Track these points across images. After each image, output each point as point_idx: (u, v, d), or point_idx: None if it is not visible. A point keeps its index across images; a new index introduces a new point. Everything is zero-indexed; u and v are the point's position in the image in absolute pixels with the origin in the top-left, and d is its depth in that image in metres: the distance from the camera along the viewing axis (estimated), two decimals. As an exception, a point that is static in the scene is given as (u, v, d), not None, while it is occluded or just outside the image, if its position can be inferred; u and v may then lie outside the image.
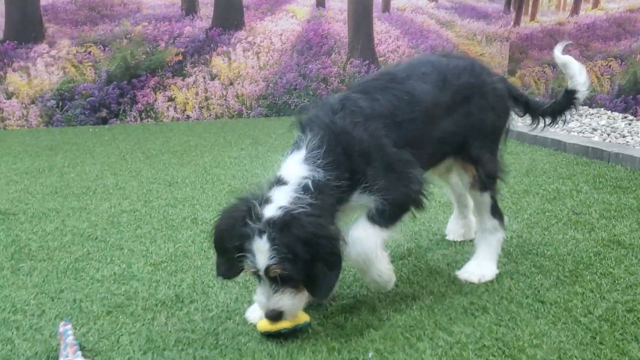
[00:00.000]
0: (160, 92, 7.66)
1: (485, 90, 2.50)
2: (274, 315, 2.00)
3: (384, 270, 2.21)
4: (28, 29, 6.92)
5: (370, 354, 1.92)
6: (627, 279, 2.48)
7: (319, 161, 2.05)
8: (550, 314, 2.18)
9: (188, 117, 7.82)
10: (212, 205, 3.67)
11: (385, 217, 2.15)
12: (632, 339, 2.00)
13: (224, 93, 7.92)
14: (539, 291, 2.38)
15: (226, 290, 2.45)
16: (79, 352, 1.93)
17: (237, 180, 4.35)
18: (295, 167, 2.08)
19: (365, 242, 2.14)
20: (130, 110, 7.57)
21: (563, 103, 2.75)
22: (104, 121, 7.47)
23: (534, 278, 2.51)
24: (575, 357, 1.89)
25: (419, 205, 2.24)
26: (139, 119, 7.62)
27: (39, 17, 6.93)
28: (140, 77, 7.55)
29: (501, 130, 2.61)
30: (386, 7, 8.49)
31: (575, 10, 7.86)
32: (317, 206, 1.99)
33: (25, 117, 7.15)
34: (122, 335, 2.11)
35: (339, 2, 8.25)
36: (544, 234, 3.06)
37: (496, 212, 2.63)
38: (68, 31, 6.88)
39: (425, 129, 2.33)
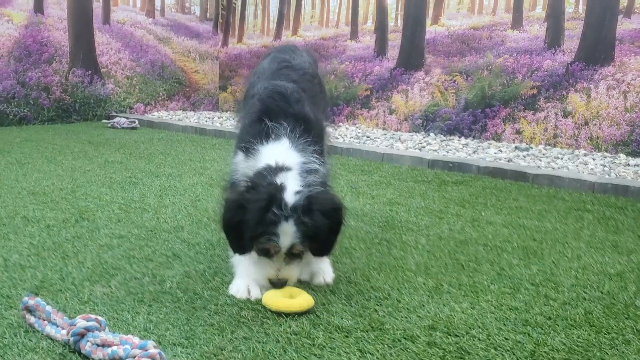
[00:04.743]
0: None
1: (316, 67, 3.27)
2: (281, 284, 2.26)
3: None
4: None
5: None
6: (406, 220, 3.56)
7: (309, 148, 2.36)
8: (361, 241, 3.07)
9: None
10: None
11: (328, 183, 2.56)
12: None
13: None
14: (368, 233, 3.25)
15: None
16: (66, 318, 2.01)
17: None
18: (290, 155, 2.33)
19: None
20: None
21: None
22: None
23: (360, 227, 3.37)
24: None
25: None
26: None
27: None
28: None
29: None
30: (106, 19, 8.55)
31: (277, 35, 9.25)
32: (322, 184, 2.30)
33: None
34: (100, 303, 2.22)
35: (58, 10, 7.99)
36: (348, 203, 3.97)
37: None
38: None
39: (321, 99, 3.00)
